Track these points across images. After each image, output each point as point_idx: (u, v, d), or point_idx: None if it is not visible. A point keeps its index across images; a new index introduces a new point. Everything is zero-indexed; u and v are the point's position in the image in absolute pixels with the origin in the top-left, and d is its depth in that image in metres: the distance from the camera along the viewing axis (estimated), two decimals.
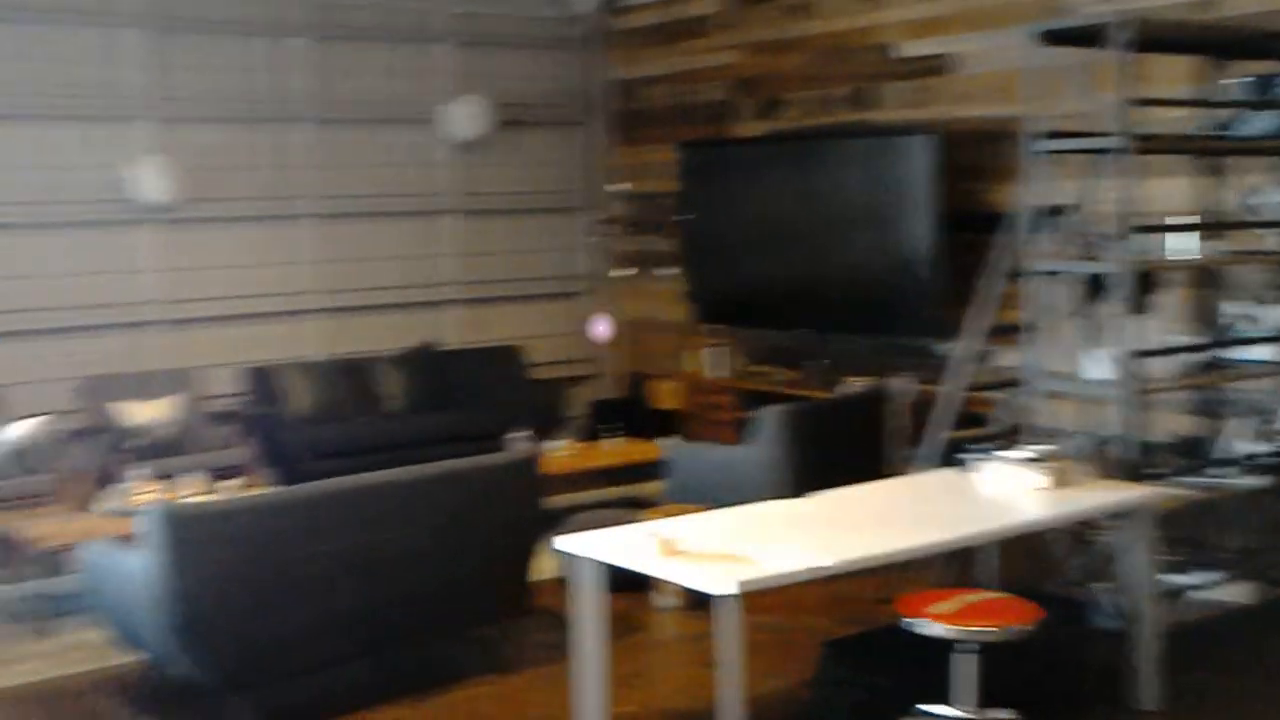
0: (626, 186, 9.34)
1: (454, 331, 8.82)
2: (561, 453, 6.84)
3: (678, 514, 5.39)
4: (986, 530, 3.76)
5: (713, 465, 6.06)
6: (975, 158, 7.21)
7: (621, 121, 9.47)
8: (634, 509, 6.29)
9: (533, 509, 4.85)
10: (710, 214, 8.36)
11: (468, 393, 8.11)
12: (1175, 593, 4.97)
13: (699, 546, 3.66)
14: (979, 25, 7.22)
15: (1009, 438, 5.30)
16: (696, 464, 6.14)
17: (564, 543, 3.84)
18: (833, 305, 7.66)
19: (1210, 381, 5.05)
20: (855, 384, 7.34)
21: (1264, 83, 5.07)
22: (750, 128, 8.57)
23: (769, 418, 5.82)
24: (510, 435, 6.64)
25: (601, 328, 7.64)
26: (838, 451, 5.93)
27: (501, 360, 8.46)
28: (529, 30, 9.12)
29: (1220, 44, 5.27)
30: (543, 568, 4.99)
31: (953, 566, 4.75)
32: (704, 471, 6.05)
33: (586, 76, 9.38)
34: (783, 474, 5.69)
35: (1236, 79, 5.22)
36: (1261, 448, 5.23)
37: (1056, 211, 4.99)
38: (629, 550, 3.68)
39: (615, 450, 7.01)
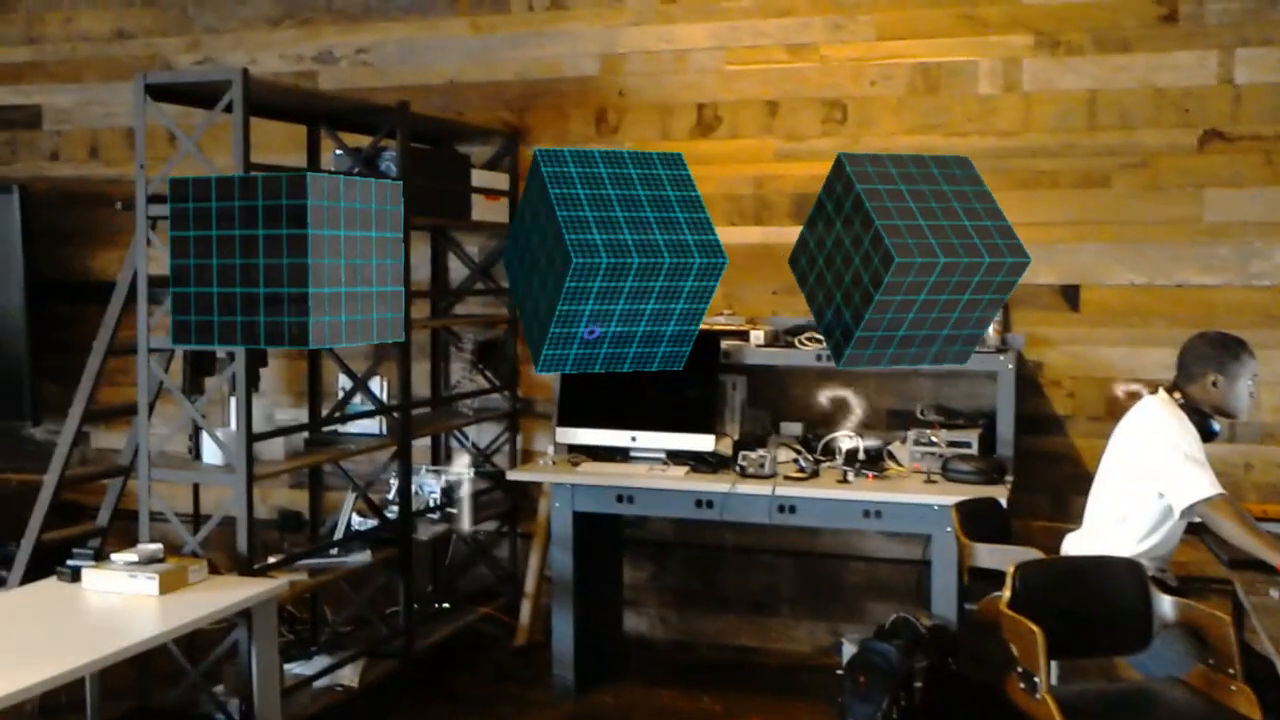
0: None
1: None
2: None
3: None
4: (90, 660, 3.27)
5: None
6: (71, 221, 6.65)
7: None
8: None
9: None
10: None
11: None
12: (297, 685, 4.80)
13: None
14: (72, 77, 6.68)
15: (118, 536, 4.84)
16: None
17: None
18: None
19: (322, 459, 4.96)
20: None
21: (362, 154, 5.11)
22: None
23: None
24: None
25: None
26: None
27: None
28: None
29: (326, 113, 5.25)
30: None
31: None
32: None
33: None
34: None
35: (340, 151, 5.22)
36: (369, 522, 5.25)
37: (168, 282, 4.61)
38: None
39: None
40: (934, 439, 5.12)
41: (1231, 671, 3.50)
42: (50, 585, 3.96)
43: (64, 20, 6.70)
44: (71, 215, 6.65)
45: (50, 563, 4.10)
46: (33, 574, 4.34)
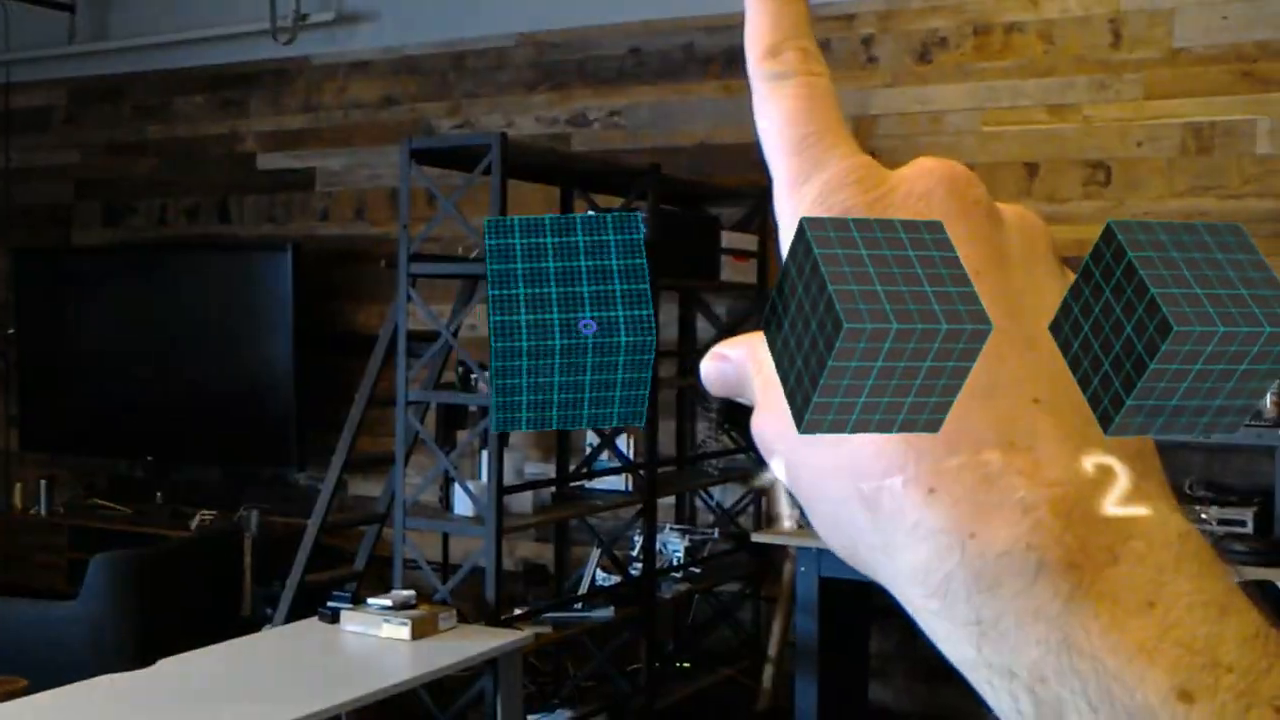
0: None
1: None
2: None
3: None
4: (345, 700, 3.37)
5: (30, 626, 5.11)
6: (337, 277, 6.95)
7: None
8: None
9: None
10: (45, 330, 7.47)
11: None
12: None
13: None
14: (343, 142, 7.02)
15: (371, 580, 4.98)
16: (8, 625, 5.17)
17: None
18: (180, 432, 7.03)
19: (569, 515, 5.02)
20: (206, 519, 6.73)
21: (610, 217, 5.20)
22: (94, 235, 7.79)
23: (100, 566, 5.07)
24: None
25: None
26: (187, 602, 5.30)
27: None
28: None
29: (579, 174, 5.37)
30: None
31: None
32: (19, 635, 5.10)
33: None
34: (120, 635, 4.96)
35: (588, 212, 5.32)
36: (612, 578, 5.27)
37: (426, 337, 4.79)
38: None
39: None
40: (1203, 515, 4.82)
41: None
42: (311, 625, 4.10)
43: (338, 89, 7.05)
44: (338, 272, 6.95)
45: (311, 603, 4.25)
46: (295, 613, 4.51)
